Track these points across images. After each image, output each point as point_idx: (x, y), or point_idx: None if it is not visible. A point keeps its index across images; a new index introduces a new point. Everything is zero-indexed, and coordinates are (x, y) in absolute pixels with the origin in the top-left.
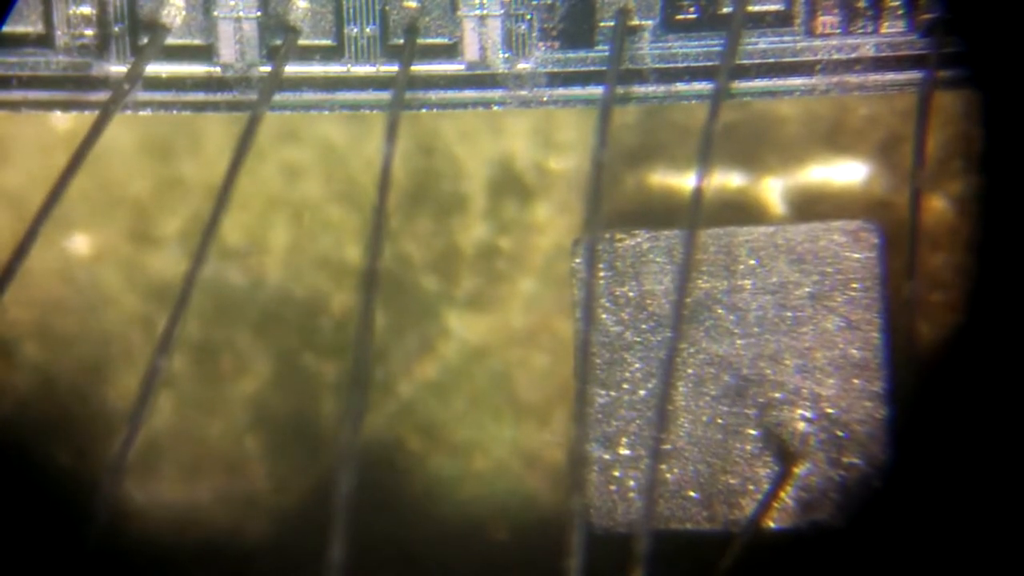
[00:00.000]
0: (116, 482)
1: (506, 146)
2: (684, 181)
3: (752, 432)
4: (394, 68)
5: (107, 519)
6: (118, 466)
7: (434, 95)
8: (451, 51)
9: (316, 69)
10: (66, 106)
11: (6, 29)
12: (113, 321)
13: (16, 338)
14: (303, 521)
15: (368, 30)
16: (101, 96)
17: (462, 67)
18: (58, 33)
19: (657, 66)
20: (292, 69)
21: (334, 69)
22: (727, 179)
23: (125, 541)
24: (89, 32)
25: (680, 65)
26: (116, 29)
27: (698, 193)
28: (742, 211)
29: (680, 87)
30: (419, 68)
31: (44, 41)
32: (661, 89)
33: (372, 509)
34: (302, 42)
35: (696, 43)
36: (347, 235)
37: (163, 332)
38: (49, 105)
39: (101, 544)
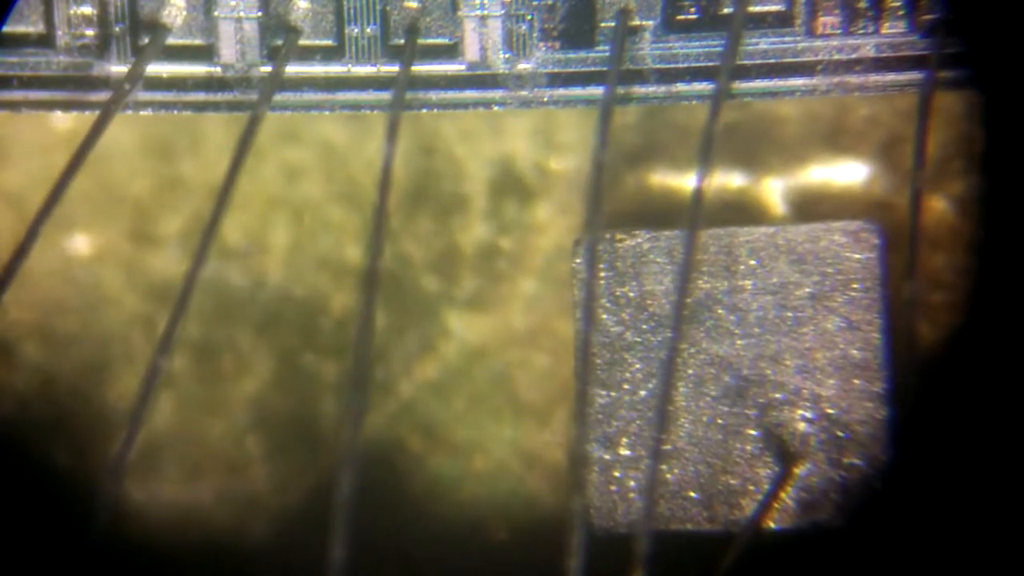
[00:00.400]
0: (117, 482)
1: (507, 146)
2: (685, 181)
3: (752, 432)
4: (395, 68)
5: (108, 519)
6: (119, 466)
7: (435, 95)
8: (452, 51)
9: (317, 69)
10: (67, 106)
11: (7, 29)
12: (114, 321)
13: (17, 338)
14: (304, 521)
15: (369, 30)
16: (102, 96)
17: (463, 67)
18: (59, 33)
19: (658, 66)
20: (293, 69)
21: (335, 69)
22: (728, 179)
23: (126, 541)
24: (90, 32)
25: (681, 65)
26: (117, 29)
27: (699, 193)
28: (743, 211)
29: (681, 87)
30: (420, 68)
31: (45, 41)
32: (662, 89)
33: (373, 509)
34: (303, 42)
35: (697, 43)
36: (347, 235)
37: (164, 332)
38: (50, 105)
39: (101, 544)
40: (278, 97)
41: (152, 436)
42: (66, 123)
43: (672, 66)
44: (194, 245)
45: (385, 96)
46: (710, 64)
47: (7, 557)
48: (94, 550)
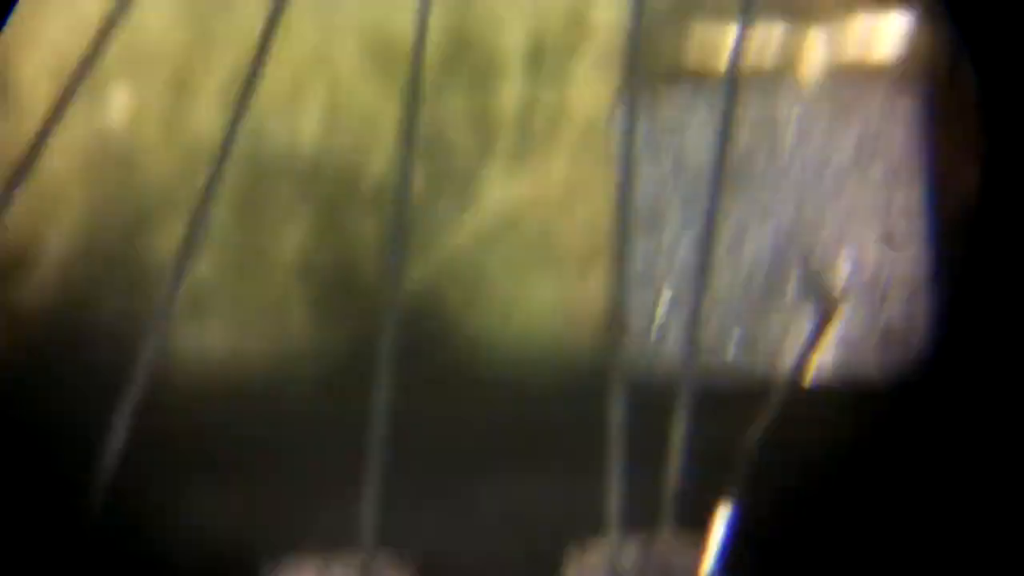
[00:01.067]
0: (162, 333)
1: (545, 0)
2: (727, 33)
3: (794, 285)
4: None
5: (154, 369)
6: (163, 321)
7: None
8: None
9: None
10: None
11: None
12: (153, 177)
13: (57, 195)
14: (346, 371)
15: None
16: None
17: None
18: None
19: None
20: None
21: None
22: (770, 30)
23: (172, 391)
24: None
25: None
26: None
27: (740, 45)
28: (786, 63)
29: None
30: None
31: None
32: None
33: (412, 365)
34: None
35: None
36: (386, 93)
37: (204, 187)
38: None
39: (149, 394)
40: None
41: (195, 290)
42: None
43: None
44: (233, 99)
45: None
46: None
47: (54, 400)
48: (141, 400)
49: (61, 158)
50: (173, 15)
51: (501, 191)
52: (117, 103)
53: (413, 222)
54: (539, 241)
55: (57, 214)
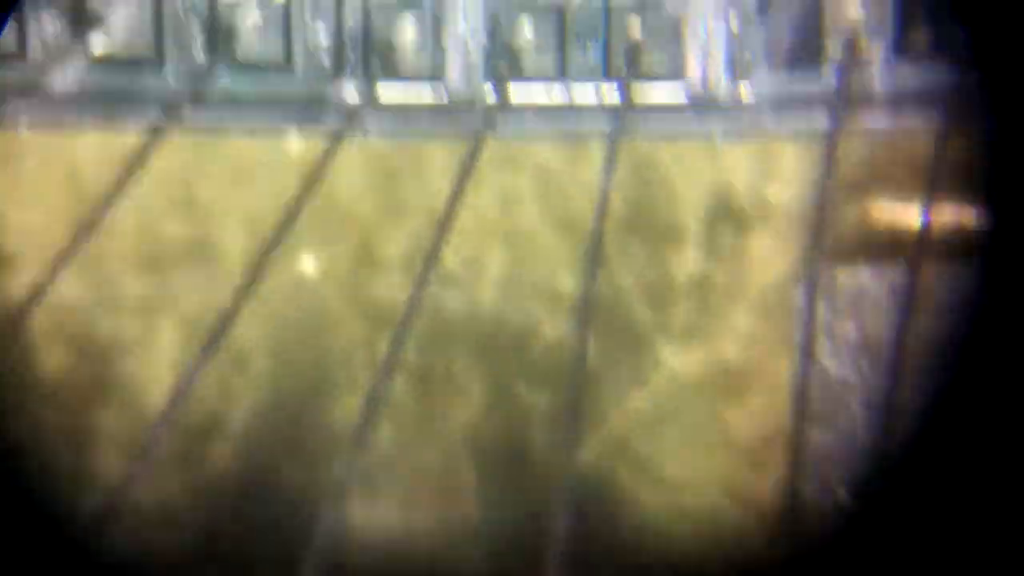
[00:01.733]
0: (340, 504)
1: (724, 174)
2: (911, 215)
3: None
4: (616, 95)
5: (330, 540)
6: (341, 488)
7: (655, 122)
8: (674, 77)
9: (539, 94)
10: (301, 130)
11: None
12: (337, 342)
13: (249, 351)
14: (517, 552)
15: (591, 56)
16: (335, 120)
17: (684, 94)
18: (297, 57)
19: (886, 93)
20: (515, 95)
21: (556, 95)
22: (958, 214)
23: (342, 566)
24: (325, 57)
25: (910, 93)
26: (351, 55)
27: (926, 228)
28: (973, 248)
29: (910, 116)
30: (640, 95)
31: (283, 66)
32: (889, 118)
33: (582, 543)
34: (525, 68)
35: (928, 71)
36: (562, 263)
37: (385, 357)
38: (284, 129)
39: (323, 565)
40: (501, 123)
41: (371, 459)
42: (298, 146)
43: (901, 94)
44: (416, 269)
45: (605, 123)
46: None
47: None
48: (317, 570)
49: (248, 323)
50: (363, 183)
51: (673, 368)
52: (305, 271)
53: (586, 395)
54: (711, 423)
55: (243, 380)
